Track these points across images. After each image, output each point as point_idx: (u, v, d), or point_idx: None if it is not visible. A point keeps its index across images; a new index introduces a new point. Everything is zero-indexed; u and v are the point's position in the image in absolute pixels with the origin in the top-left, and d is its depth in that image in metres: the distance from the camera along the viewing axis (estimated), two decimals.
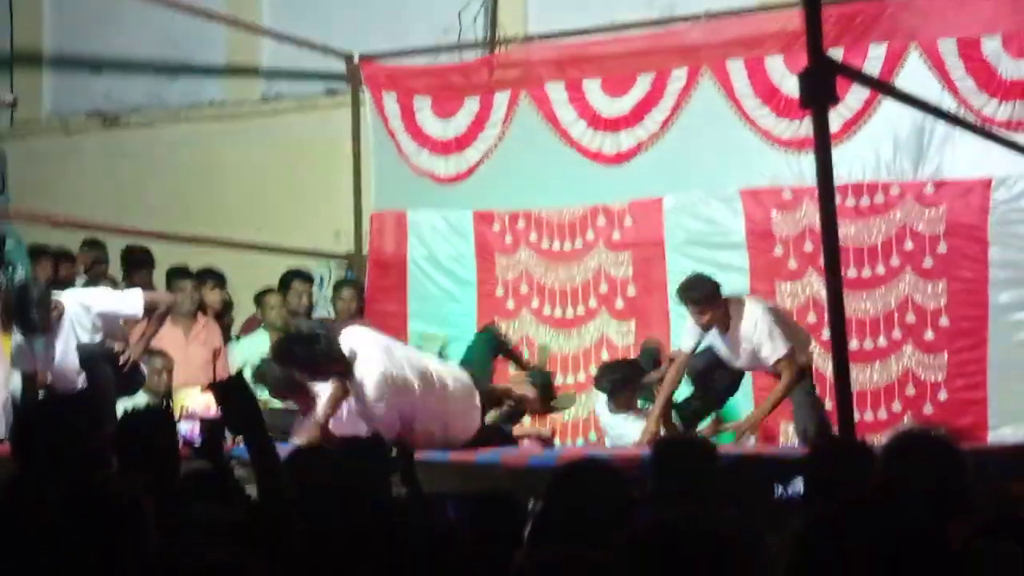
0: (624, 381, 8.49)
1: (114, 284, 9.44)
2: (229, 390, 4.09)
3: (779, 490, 5.63)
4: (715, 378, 8.27)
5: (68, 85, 12.86)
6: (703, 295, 7.95)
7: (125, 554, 3.21)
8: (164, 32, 12.19)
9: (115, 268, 10.37)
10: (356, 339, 7.31)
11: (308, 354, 7.14)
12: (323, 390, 7.52)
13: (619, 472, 3.85)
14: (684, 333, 8.25)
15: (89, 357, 7.69)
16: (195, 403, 7.67)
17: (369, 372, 7.11)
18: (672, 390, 8.17)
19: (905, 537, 3.14)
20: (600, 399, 8.70)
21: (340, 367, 7.17)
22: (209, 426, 4.65)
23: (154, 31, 12.25)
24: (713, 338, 8.09)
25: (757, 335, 7.89)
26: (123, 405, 7.73)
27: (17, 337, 7.84)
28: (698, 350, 8.14)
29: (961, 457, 4.09)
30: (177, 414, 6.68)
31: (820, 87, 4.82)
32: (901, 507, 3.79)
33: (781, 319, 8.09)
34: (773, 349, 7.86)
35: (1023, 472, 6.81)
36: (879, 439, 8.05)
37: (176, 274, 9.45)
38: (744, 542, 2.77)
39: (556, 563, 2.29)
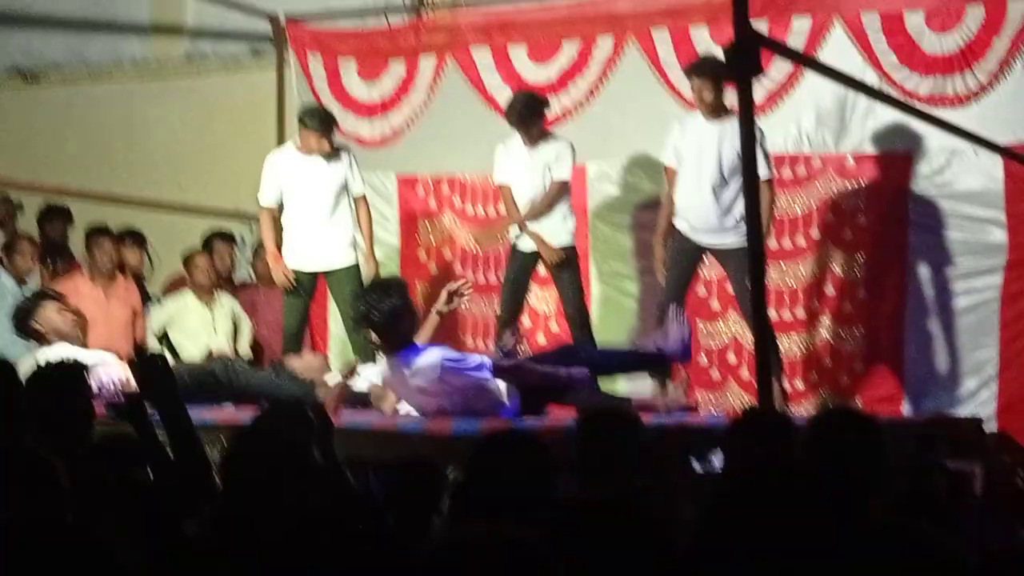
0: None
1: (29, 240, 9.34)
2: (149, 367, 4.45)
3: (700, 461, 5.68)
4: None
5: None
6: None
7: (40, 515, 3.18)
8: None
9: (31, 225, 10.25)
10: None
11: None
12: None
13: (543, 443, 3.84)
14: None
15: None
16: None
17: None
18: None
19: (820, 510, 3.18)
20: None
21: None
22: (132, 396, 4.66)
23: None
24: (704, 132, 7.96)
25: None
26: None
27: None
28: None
29: (881, 435, 4.14)
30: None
31: (745, 59, 4.83)
32: (820, 481, 3.85)
33: None
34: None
35: (935, 443, 6.92)
36: (797, 409, 8.18)
37: (96, 232, 9.32)
38: (662, 515, 2.79)
39: (477, 541, 2.28)
